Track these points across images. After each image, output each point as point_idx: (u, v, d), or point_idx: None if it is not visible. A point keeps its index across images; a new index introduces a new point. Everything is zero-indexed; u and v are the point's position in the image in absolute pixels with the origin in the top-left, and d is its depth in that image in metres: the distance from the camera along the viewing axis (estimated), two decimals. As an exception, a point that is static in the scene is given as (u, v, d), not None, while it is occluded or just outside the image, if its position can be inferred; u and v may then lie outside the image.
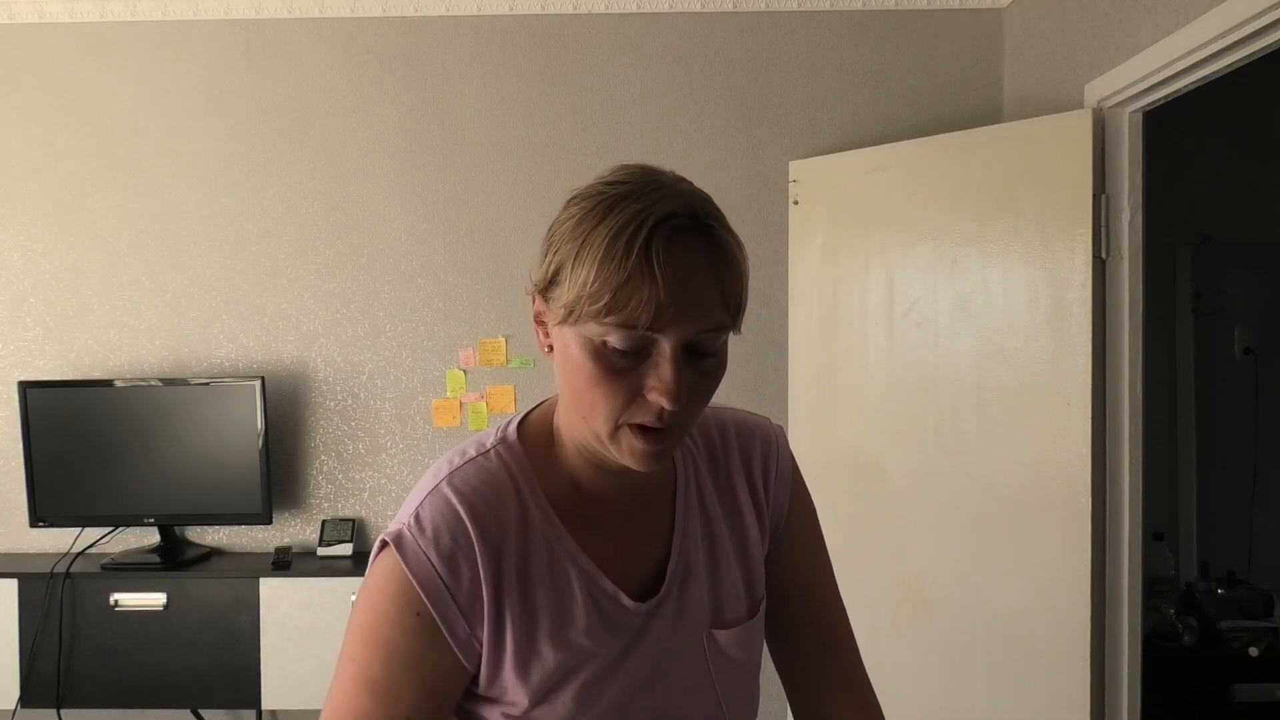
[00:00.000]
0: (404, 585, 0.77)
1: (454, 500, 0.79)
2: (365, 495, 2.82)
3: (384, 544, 0.79)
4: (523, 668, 0.80)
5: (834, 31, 2.76)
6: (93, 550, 2.72)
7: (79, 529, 2.72)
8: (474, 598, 0.78)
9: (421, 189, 2.78)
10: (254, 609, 2.51)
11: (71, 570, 2.54)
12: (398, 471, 2.81)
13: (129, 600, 2.53)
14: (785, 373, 2.70)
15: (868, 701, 0.94)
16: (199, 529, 2.82)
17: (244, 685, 2.51)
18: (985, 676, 2.29)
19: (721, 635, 0.87)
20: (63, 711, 2.55)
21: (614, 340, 0.71)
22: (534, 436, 0.85)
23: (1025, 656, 2.22)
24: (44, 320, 2.80)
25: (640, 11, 2.75)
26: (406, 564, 0.77)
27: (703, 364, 0.74)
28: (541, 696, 0.80)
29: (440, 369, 2.80)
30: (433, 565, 0.77)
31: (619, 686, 0.83)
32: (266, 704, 2.52)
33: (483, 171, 2.78)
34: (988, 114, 2.71)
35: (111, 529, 2.75)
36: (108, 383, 2.66)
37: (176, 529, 2.77)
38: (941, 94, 2.74)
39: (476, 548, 0.78)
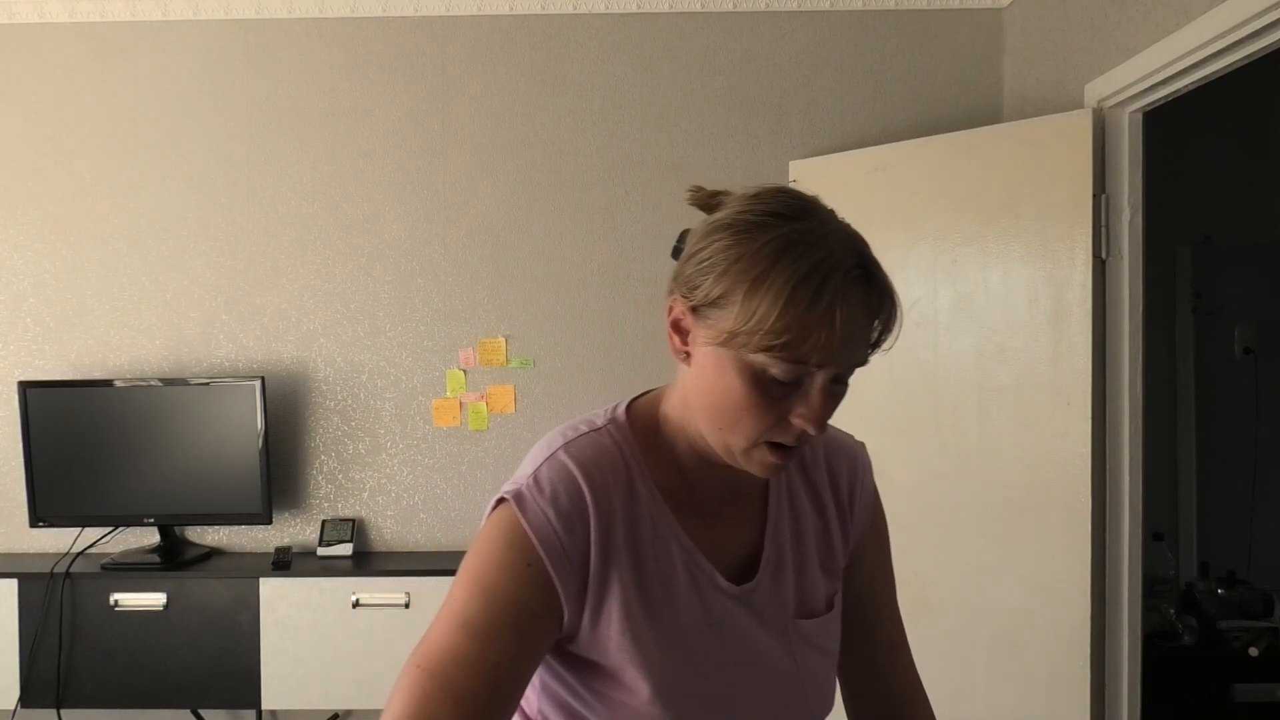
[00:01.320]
0: (519, 536, 0.80)
1: (571, 467, 0.83)
2: (365, 495, 2.82)
3: (500, 501, 0.83)
4: (626, 635, 0.83)
5: (834, 31, 2.76)
6: (93, 550, 2.72)
7: (79, 529, 2.72)
8: (584, 559, 0.81)
9: (421, 189, 2.78)
10: (254, 609, 2.52)
11: (71, 570, 2.54)
12: (398, 471, 2.81)
13: (129, 600, 2.53)
14: (785, 373, 2.70)
15: (924, 711, 1.04)
16: (199, 529, 2.82)
17: (244, 685, 2.51)
18: (985, 676, 2.29)
19: (805, 624, 0.92)
20: (63, 711, 2.55)
21: (777, 371, 0.76)
22: (641, 421, 0.90)
23: (1025, 656, 2.22)
24: (44, 320, 2.80)
25: (640, 11, 2.75)
26: (525, 518, 0.80)
27: (838, 390, 0.80)
28: (641, 667, 0.83)
29: (440, 369, 2.80)
30: (550, 522, 0.80)
31: (712, 664, 0.87)
32: (266, 704, 2.52)
33: (483, 171, 2.78)
34: (988, 114, 2.71)
35: (111, 529, 2.75)
36: (108, 383, 2.66)
37: (176, 529, 2.77)
38: (941, 94, 2.74)
39: (591, 512, 0.81)
